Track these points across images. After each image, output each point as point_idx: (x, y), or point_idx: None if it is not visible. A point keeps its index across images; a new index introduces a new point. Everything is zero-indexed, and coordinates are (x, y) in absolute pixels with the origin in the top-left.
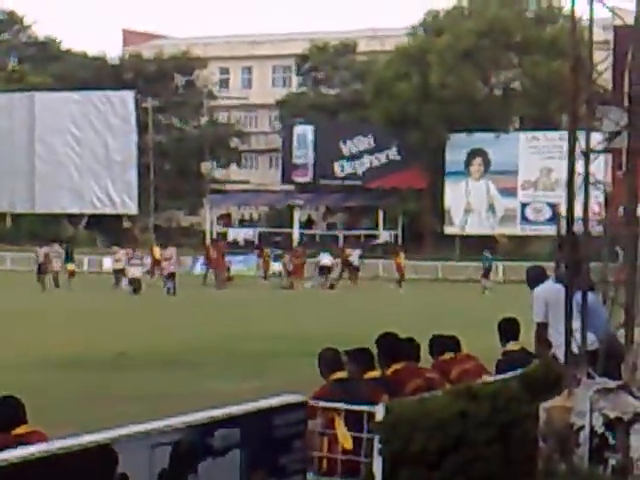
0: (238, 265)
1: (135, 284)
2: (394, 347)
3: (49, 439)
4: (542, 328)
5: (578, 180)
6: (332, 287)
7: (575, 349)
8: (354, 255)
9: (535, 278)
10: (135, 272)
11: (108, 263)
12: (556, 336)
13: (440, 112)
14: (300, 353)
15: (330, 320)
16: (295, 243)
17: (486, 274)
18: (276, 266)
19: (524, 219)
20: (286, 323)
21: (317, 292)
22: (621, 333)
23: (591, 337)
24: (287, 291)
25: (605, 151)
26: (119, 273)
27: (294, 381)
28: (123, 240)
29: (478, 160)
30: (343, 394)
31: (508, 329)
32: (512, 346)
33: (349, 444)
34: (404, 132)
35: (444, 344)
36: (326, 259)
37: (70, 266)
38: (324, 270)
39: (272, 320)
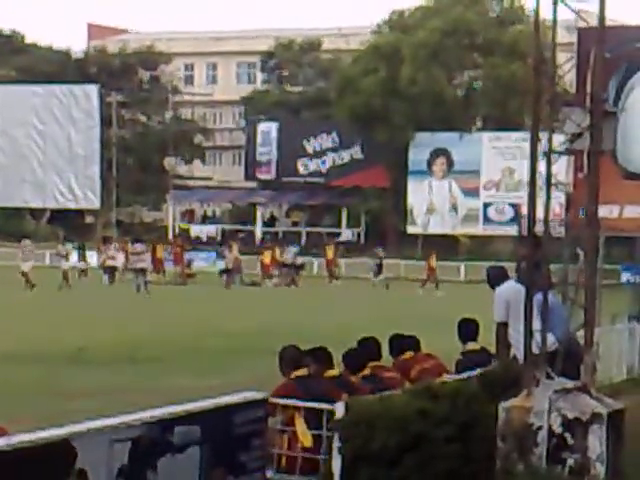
0: (200, 262)
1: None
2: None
3: (8, 434)
4: (502, 328)
5: (540, 181)
6: (290, 284)
7: (535, 349)
8: (289, 253)
9: (496, 278)
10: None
11: (74, 258)
12: (516, 336)
13: (407, 110)
14: (260, 350)
15: (292, 317)
16: (257, 240)
17: (378, 270)
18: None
19: (486, 219)
20: (247, 320)
21: (280, 289)
22: (581, 334)
23: (551, 338)
24: (252, 288)
25: (567, 152)
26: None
27: (255, 378)
28: (85, 235)
29: (441, 160)
30: (303, 391)
31: (467, 329)
32: (472, 346)
33: (309, 442)
34: (369, 129)
35: (403, 344)
36: (290, 255)
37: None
38: (287, 267)
39: (233, 317)
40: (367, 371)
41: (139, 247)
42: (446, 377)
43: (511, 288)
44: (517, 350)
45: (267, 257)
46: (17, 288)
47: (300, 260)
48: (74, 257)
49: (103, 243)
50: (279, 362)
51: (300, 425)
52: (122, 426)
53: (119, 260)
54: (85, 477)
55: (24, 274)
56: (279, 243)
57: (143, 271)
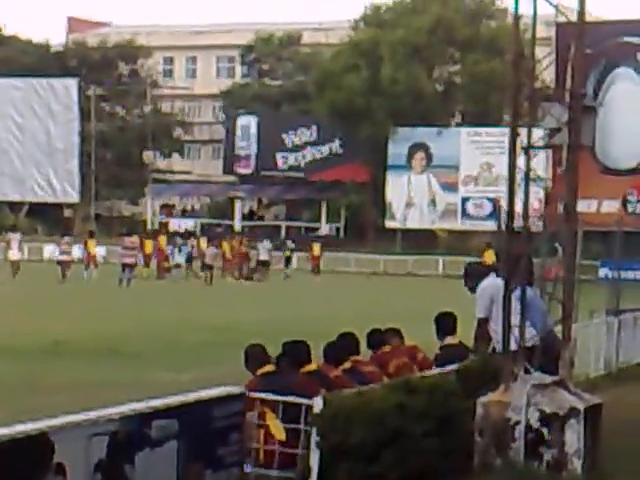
0: (178, 256)
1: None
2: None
3: None
4: (483, 323)
5: (518, 176)
6: (248, 278)
7: (514, 344)
8: (261, 248)
9: (475, 274)
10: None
11: (49, 251)
12: (499, 331)
13: (387, 105)
14: (237, 344)
15: (272, 311)
16: (236, 234)
17: (287, 262)
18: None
19: (465, 214)
20: (223, 314)
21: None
22: (558, 329)
23: (531, 332)
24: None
25: (546, 147)
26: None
27: (232, 372)
28: (63, 229)
29: (420, 154)
30: (269, 387)
31: (445, 323)
32: (450, 340)
33: (282, 436)
34: (349, 124)
35: (382, 338)
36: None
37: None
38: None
39: (210, 311)
40: (348, 365)
41: (130, 241)
42: (425, 372)
43: (495, 283)
44: (499, 345)
45: (227, 249)
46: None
47: (272, 256)
48: (76, 251)
49: (90, 237)
50: (245, 361)
51: (271, 420)
52: (100, 420)
53: (74, 254)
54: (63, 471)
55: (13, 263)
56: (252, 237)
57: (131, 266)
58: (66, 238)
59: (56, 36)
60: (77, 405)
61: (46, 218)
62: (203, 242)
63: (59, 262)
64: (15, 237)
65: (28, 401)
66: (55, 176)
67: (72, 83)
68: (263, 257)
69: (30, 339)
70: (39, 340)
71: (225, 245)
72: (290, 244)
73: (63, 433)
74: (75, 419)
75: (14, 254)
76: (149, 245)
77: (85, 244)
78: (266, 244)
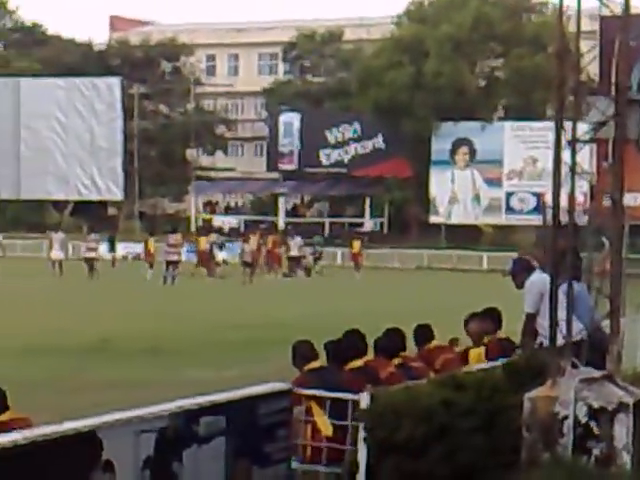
0: (223, 253)
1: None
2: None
3: (33, 426)
4: (531, 319)
5: (563, 170)
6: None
7: (561, 339)
8: (293, 244)
9: (521, 269)
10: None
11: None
12: (547, 326)
13: (430, 101)
14: (279, 341)
15: (311, 307)
16: (280, 231)
17: (317, 258)
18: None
19: (509, 209)
20: (264, 312)
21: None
22: (606, 323)
23: (578, 326)
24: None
25: (591, 141)
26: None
27: (276, 369)
28: (108, 227)
29: (464, 149)
30: (317, 383)
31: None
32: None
33: (329, 431)
34: (392, 120)
35: (428, 334)
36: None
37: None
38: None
39: (250, 308)
40: (398, 360)
41: (174, 239)
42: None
43: (544, 279)
44: (546, 340)
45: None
46: (42, 279)
47: (308, 252)
48: (103, 248)
49: (150, 236)
50: (292, 357)
51: (318, 416)
52: (148, 417)
53: (100, 252)
54: (111, 468)
55: (57, 263)
56: (284, 233)
57: (175, 263)
58: (93, 235)
59: (99, 35)
60: (123, 403)
61: (90, 216)
62: (250, 239)
63: (85, 259)
64: (57, 237)
65: (75, 399)
66: (99, 174)
67: (115, 82)
68: (294, 253)
69: (75, 337)
70: (84, 338)
71: (264, 242)
72: (319, 240)
73: (111, 430)
74: (123, 416)
75: (56, 254)
76: (202, 242)
77: (145, 243)
78: (297, 240)
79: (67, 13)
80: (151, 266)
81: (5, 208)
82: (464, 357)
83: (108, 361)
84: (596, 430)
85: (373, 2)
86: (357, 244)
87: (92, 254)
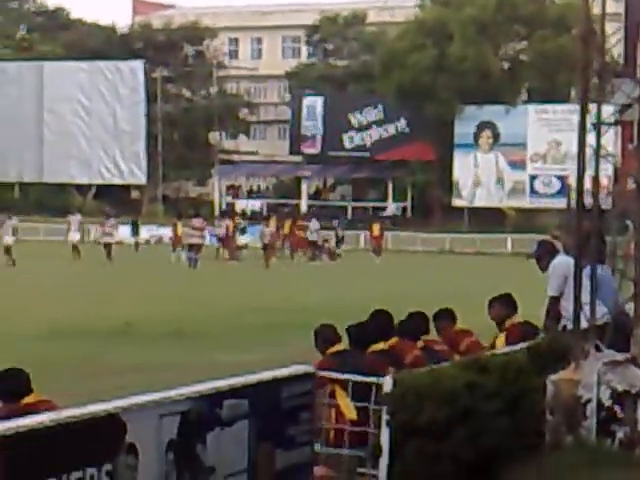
0: (245, 236)
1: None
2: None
3: (57, 408)
4: (554, 302)
5: (588, 152)
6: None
7: (584, 322)
8: (310, 228)
9: (545, 252)
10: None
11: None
12: (570, 309)
13: (454, 84)
14: (301, 325)
15: (332, 291)
16: (301, 215)
17: (338, 241)
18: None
19: (533, 192)
20: (285, 295)
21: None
22: (630, 307)
23: (602, 310)
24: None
25: (616, 123)
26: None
27: (299, 353)
28: (131, 211)
29: (487, 133)
30: (340, 366)
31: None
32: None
33: (353, 414)
34: (415, 103)
35: (450, 318)
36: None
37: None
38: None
39: (272, 292)
40: (421, 343)
41: (198, 222)
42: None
43: (568, 262)
44: (569, 323)
45: (273, 227)
46: (64, 263)
47: (322, 236)
48: (126, 232)
49: (178, 219)
50: (315, 341)
51: (342, 399)
52: (171, 400)
53: (117, 236)
54: (135, 451)
55: (74, 246)
56: (301, 217)
57: (197, 247)
58: (111, 220)
59: (121, 19)
60: (146, 386)
61: (114, 200)
62: (270, 223)
63: (104, 244)
64: (75, 219)
65: (98, 382)
66: (122, 158)
67: (138, 65)
68: (311, 238)
69: (99, 320)
70: (108, 321)
71: (286, 226)
72: (340, 223)
73: (134, 413)
74: (146, 399)
75: (73, 235)
76: (228, 226)
77: (174, 226)
78: (314, 224)
79: None
80: (176, 249)
81: (28, 192)
82: (492, 347)
83: (131, 344)
84: (620, 413)
85: None
86: (377, 227)
87: (109, 239)
